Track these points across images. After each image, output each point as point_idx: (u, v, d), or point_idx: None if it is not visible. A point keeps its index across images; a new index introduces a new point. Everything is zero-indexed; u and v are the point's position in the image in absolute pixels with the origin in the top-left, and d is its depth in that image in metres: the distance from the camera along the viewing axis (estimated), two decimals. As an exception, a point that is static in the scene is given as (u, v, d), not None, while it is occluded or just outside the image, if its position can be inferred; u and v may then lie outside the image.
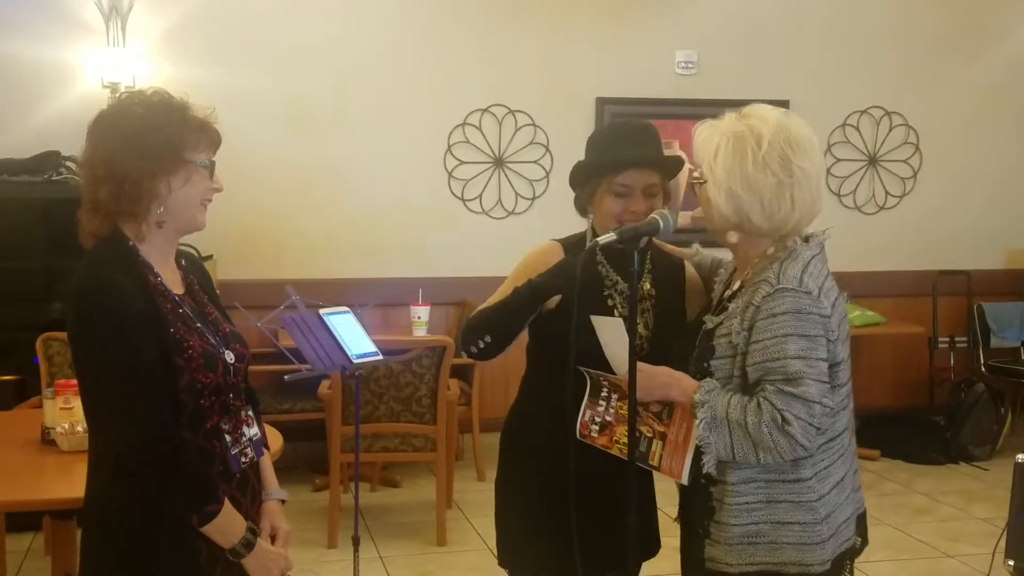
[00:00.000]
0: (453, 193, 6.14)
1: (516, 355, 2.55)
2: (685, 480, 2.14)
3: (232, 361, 2.09)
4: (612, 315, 2.37)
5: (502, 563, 2.58)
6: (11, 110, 5.42)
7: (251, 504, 2.13)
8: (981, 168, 6.76)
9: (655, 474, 2.33)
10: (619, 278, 2.45)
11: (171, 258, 2.10)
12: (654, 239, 2.42)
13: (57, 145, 5.10)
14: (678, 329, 2.45)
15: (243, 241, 5.70)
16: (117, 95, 2.11)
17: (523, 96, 6.15)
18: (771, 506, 2.09)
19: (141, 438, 1.92)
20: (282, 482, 2.29)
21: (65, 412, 3.24)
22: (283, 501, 2.25)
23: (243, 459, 2.10)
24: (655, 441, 2.19)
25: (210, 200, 2.08)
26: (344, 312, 3.02)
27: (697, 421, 2.07)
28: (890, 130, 6.63)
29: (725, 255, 2.39)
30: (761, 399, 2.02)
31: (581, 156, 2.48)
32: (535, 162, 6.20)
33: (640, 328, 2.40)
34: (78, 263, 2.00)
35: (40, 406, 3.48)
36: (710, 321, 2.18)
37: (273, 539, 2.17)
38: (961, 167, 6.74)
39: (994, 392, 6.23)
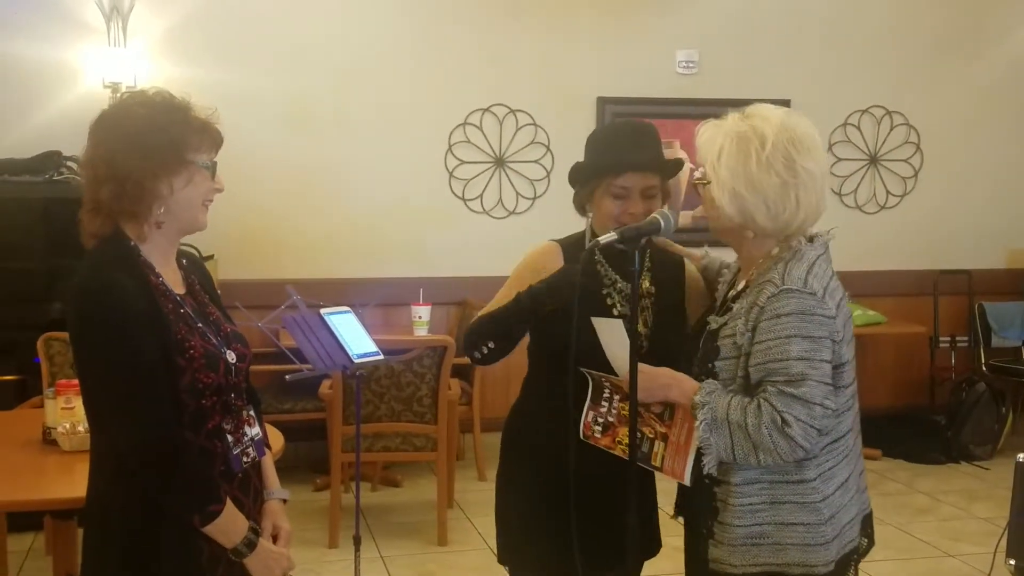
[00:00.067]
0: (454, 193, 6.14)
1: (517, 355, 2.55)
2: (687, 481, 2.14)
3: (233, 361, 2.09)
4: (611, 314, 2.37)
5: (501, 560, 2.58)
6: (12, 110, 5.43)
7: (253, 504, 2.13)
8: (982, 168, 6.76)
9: (656, 474, 2.33)
10: (618, 277, 2.45)
11: (172, 258, 2.10)
12: (660, 239, 2.42)
13: (58, 145, 5.10)
14: (678, 327, 2.46)
15: (244, 241, 5.70)
16: (119, 95, 2.11)
17: (524, 96, 6.15)
18: (775, 507, 2.08)
19: (143, 438, 1.92)
20: (283, 482, 2.29)
21: (66, 412, 3.24)
22: (285, 501, 2.25)
23: (245, 459, 2.10)
24: (657, 442, 2.19)
25: (211, 200, 2.07)
26: (345, 312, 3.02)
27: (697, 422, 2.06)
28: (891, 129, 6.63)
29: (729, 256, 2.38)
30: (761, 400, 2.02)
31: (582, 156, 2.47)
32: (536, 162, 6.20)
33: (639, 326, 2.40)
34: (79, 263, 2.00)
35: (41, 406, 3.47)
36: (714, 322, 2.17)
37: (275, 539, 2.17)
38: (962, 167, 6.74)
39: (995, 392, 6.24)
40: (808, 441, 2.01)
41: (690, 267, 2.56)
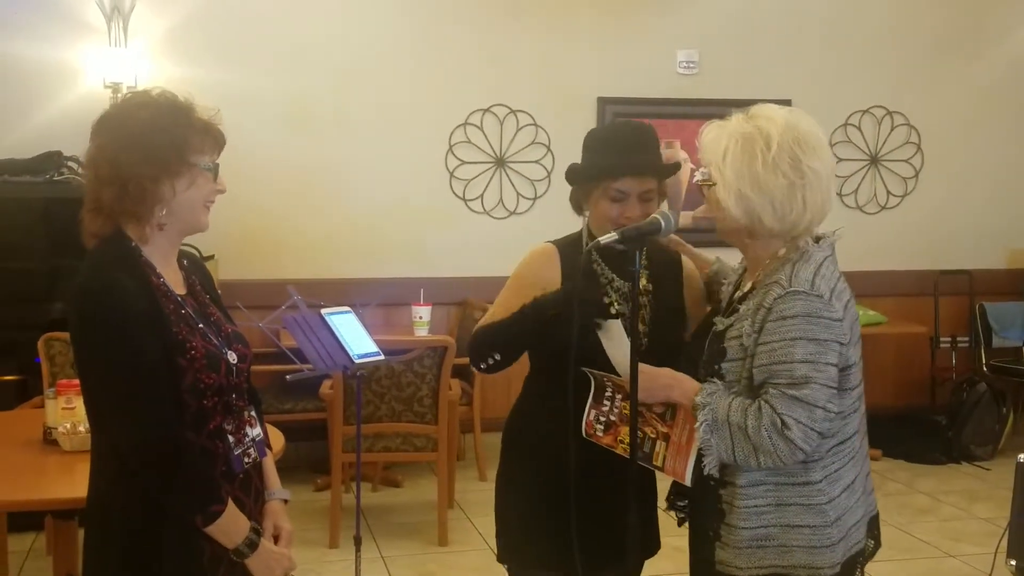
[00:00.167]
0: (455, 193, 6.14)
1: (518, 355, 2.55)
2: (688, 481, 2.14)
3: (235, 361, 2.09)
4: (609, 313, 2.37)
5: (501, 560, 2.58)
6: (13, 110, 5.43)
7: (254, 504, 2.13)
8: (982, 168, 6.76)
9: (656, 474, 2.33)
10: (615, 276, 2.45)
11: (173, 259, 2.10)
12: (674, 239, 2.45)
13: (59, 145, 5.10)
14: (676, 324, 2.46)
15: (244, 241, 5.70)
16: (122, 95, 2.11)
17: (524, 96, 6.15)
18: (780, 509, 2.08)
19: (143, 438, 1.92)
20: (284, 482, 2.29)
21: (67, 412, 3.24)
22: (286, 501, 2.25)
23: (246, 459, 2.10)
24: (659, 442, 2.19)
25: (213, 202, 2.07)
26: (346, 312, 3.03)
27: (698, 423, 2.06)
28: (892, 130, 6.63)
29: (734, 257, 2.37)
30: (762, 403, 2.01)
31: (582, 156, 2.47)
32: (536, 162, 6.20)
33: (638, 323, 2.40)
34: (80, 263, 2.00)
35: (42, 406, 3.47)
36: (720, 323, 2.16)
37: (276, 539, 2.17)
38: (962, 167, 6.74)
39: (996, 392, 6.23)
40: (808, 444, 2.00)
41: (688, 264, 2.56)
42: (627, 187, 2.36)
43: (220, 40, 5.71)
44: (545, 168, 6.19)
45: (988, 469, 5.94)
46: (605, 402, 2.30)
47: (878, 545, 2.26)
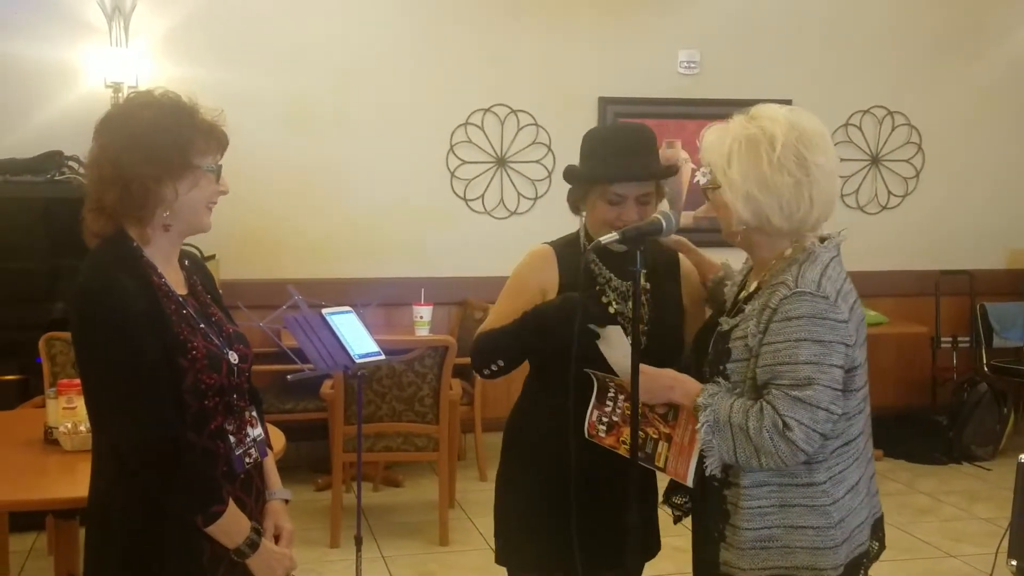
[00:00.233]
0: (455, 193, 6.14)
1: (519, 355, 2.55)
2: (690, 482, 2.13)
3: (236, 362, 2.08)
4: (609, 315, 2.37)
5: (500, 560, 2.58)
6: (13, 110, 5.43)
7: (255, 504, 2.13)
8: (983, 168, 6.76)
9: (657, 474, 2.32)
10: (612, 275, 2.45)
11: (175, 259, 2.10)
12: (680, 241, 2.45)
13: (59, 145, 5.10)
14: (675, 323, 2.46)
15: (245, 241, 5.70)
16: (125, 95, 2.10)
17: (525, 96, 6.15)
18: (784, 510, 2.07)
19: (144, 438, 1.92)
20: (284, 482, 2.29)
21: (68, 412, 3.24)
22: (287, 501, 2.25)
23: (247, 459, 2.10)
24: (661, 443, 2.18)
25: (215, 203, 2.07)
26: (346, 312, 3.02)
27: (699, 424, 2.06)
28: (892, 130, 6.63)
29: (736, 257, 2.37)
30: (764, 403, 2.01)
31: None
32: (537, 162, 6.20)
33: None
34: (81, 263, 2.00)
35: (43, 406, 3.48)
36: (726, 323, 2.15)
37: (277, 539, 2.17)
38: (963, 167, 6.74)
39: (997, 392, 6.23)
40: (810, 445, 2.00)
41: (685, 263, 2.55)
42: (624, 191, 2.37)
43: (221, 40, 5.71)
44: (546, 168, 6.19)
45: (989, 469, 5.94)
46: (608, 403, 2.29)
47: (882, 547, 2.25)
